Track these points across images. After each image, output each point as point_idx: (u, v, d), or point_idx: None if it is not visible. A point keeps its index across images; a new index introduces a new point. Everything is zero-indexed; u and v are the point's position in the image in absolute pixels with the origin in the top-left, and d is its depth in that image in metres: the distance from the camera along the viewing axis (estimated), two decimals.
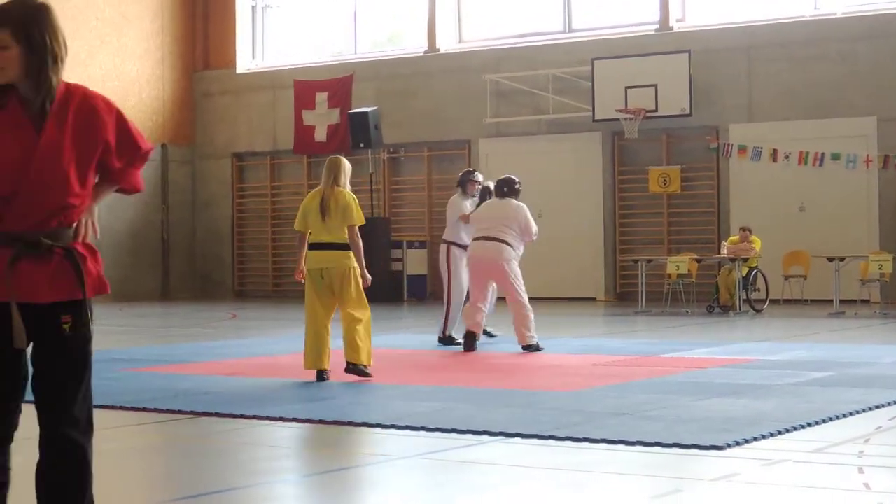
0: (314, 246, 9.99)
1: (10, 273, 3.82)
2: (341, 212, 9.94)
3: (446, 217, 13.79)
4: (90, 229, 3.99)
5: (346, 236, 9.93)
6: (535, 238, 12.75)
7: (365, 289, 10.01)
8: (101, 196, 4.08)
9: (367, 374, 9.91)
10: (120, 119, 4.01)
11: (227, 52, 27.44)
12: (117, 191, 4.14)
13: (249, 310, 22.35)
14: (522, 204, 12.75)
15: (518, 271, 12.59)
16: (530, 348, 12.40)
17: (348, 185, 10.21)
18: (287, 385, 9.76)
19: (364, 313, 9.92)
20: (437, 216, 24.11)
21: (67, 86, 3.94)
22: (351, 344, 9.84)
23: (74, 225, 3.94)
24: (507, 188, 12.79)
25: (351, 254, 9.93)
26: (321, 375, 9.87)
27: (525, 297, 12.49)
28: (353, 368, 9.89)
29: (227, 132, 27.49)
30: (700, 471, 6.18)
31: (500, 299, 13.37)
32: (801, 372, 10.17)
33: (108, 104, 4.00)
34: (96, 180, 4.04)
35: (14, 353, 3.88)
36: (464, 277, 13.23)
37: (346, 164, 10.32)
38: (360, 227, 10.09)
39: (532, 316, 12.43)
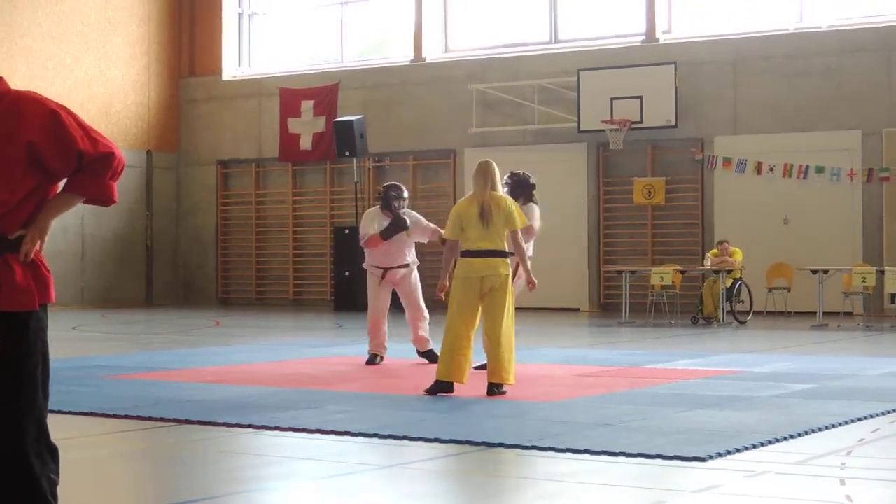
0: (473, 253, 9.54)
1: None
2: (503, 217, 9.58)
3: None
4: (31, 246, 3.83)
5: (505, 243, 9.58)
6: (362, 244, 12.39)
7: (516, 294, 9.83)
8: (58, 208, 3.92)
9: (503, 393, 9.49)
10: (54, 118, 3.82)
11: (213, 59, 27.41)
12: (89, 202, 3.97)
13: (233, 317, 22.30)
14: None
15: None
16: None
17: (501, 189, 9.87)
18: (269, 393, 9.72)
19: (511, 325, 9.57)
20: None
21: (6, 91, 3.85)
22: (498, 361, 9.43)
23: (14, 236, 3.82)
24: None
25: (508, 262, 9.62)
26: (450, 387, 9.45)
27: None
28: (494, 390, 9.44)
29: (212, 139, 27.44)
30: (682, 482, 6.17)
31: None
32: (783, 384, 10.18)
33: (40, 103, 3.84)
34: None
35: None
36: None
37: (496, 168, 9.89)
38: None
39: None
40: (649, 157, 22.76)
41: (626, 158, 22.90)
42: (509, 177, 11.99)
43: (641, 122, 21.95)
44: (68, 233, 24.90)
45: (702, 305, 19.23)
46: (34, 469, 3.81)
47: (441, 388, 9.46)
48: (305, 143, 25.80)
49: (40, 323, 3.88)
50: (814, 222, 21.31)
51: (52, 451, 3.91)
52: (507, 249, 9.66)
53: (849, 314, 19.46)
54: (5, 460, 3.79)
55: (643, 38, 22.99)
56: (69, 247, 25.06)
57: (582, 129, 22.61)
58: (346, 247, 23.31)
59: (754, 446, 6.94)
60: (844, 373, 11.18)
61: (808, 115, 21.46)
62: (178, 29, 27.66)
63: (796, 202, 21.45)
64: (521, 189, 11.86)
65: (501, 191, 9.86)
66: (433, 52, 25.03)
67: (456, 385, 9.52)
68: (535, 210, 11.92)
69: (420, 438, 7.32)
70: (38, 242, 3.87)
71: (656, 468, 6.44)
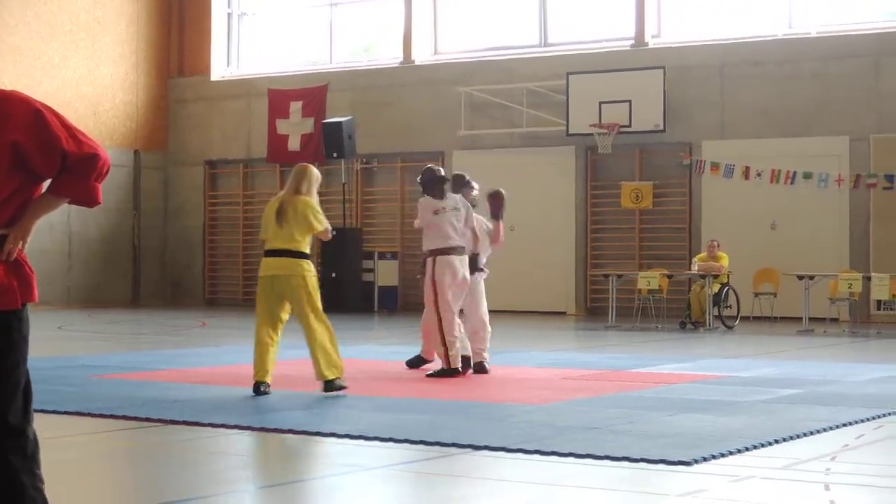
0: (268, 253, 9.72)
1: None
2: (300, 219, 9.64)
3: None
4: (14, 246, 3.83)
5: (302, 245, 9.65)
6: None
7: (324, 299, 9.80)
8: (42, 209, 3.91)
9: (343, 387, 9.62)
10: (38, 118, 3.80)
11: (201, 59, 27.37)
12: (73, 203, 3.95)
13: (219, 318, 22.26)
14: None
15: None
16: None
17: (315, 195, 9.85)
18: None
19: (323, 323, 9.62)
20: (409, 227, 24.09)
21: None
22: (318, 359, 9.57)
23: None
24: None
25: (304, 262, 9.64)
26: (258, 388, 9.51)
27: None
28: (328, 386, 9.56)
29: (201, 139, 27.40)
30: (667, 486, 6.18)
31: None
32: (769, 389, 10.20)
33: (25, 103, 3.82)
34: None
35: None
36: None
37: (313, 173, 9.92)
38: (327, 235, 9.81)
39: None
40: (637, 161, 22.79)
41: (614, 162, 22.92)
42: (421, 174, 11.60)
43: (630, 126, 21.97)
44: (54, 231, 24.84)
45: (689, 310, 19.25)
46: (14, 465, 3.80)
47: (259, 388, 9.50)
48: (294, 144, 25.77)
49: (22, 322, 3.87)
50: (801, 228, 21.35)
51: (34, 448, 3.90)
52: (305, 251, 9.65)
53: (835, 320, 19.49)
54: None
55: (632, 42, 23.01)
56: (55, 245, 24.99)
57: (570, 132, 22.62)
58: (334, 248, 23.30)
59: (740, 451, 6.95)
60: (830, 378, 11.22)
61: (795, 121, 21.50)
62: (167, 28, 27.61)
63: (784, 208, 21.49)
64: (430, 185, 11.38)
65: (313, 197, 9.80)
66: (422, 55, 25.03)
67: (445, 387, 9.51)
68: (423, 205, 11.30)
69: (405, 440, 7.32)
70: (21, 242, 3.86)
71: (641, 472, 6.44)
